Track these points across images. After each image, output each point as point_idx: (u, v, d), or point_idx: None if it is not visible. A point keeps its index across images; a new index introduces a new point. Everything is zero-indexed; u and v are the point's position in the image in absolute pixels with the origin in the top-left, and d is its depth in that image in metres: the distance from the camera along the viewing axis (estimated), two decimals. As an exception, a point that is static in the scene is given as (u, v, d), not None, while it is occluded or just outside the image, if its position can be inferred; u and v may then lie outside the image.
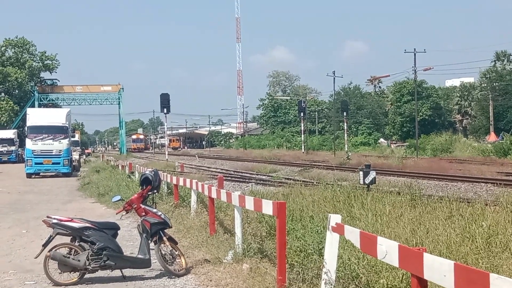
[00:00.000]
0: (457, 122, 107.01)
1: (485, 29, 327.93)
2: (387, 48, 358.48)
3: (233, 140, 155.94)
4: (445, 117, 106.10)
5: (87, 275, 10.18)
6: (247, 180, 32.19)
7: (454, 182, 30.11)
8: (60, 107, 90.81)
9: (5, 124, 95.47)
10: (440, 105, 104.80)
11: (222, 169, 47.06)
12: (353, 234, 7.10)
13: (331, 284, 7.66)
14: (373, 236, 6.60)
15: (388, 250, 6.07)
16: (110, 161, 54.33)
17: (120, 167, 40.06)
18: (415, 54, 65.61)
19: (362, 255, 8.37)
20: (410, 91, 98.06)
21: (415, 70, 67.79)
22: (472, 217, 11.73)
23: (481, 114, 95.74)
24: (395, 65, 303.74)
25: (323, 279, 7.75)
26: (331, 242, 7.76)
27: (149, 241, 10.49)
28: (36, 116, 45.62)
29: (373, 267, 8.18)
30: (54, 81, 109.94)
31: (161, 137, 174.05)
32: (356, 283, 7.92)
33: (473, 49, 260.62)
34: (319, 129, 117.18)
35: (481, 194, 23.79)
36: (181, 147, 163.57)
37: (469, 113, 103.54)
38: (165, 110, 53.56)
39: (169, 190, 21.52)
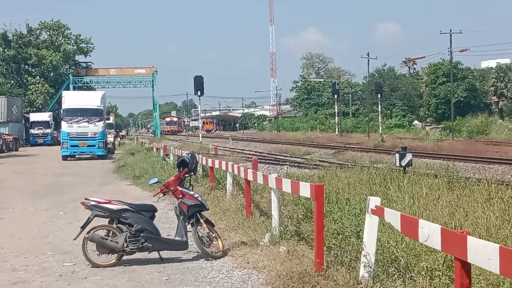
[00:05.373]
0: (493, 104, 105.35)
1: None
2: (422, 30, 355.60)
3: (267, 122, 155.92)
4: (480, 99, 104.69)
5: (125, 257, 10.25)
6: (281, 163, 32.14)
7: (491, 164, 29.82)
8: (95, 90, 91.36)
9: (41, 107, 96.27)
10: (475, 86, 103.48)
11: (256, 152, 47.10)
12: (393, 217, 7.03)
13: (371, 267, 7.60)
14: (414, 219, 6.52)
15: (430, 233, 5.98)
16: (145, 143, 54.61)
17: (154, 150, 40.25)
18: (451, 35, 64.79)
19: (401, 237, 8.29)
20: (445, 72, 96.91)
21: (450, 52, 66.95)
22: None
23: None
24: (430, 47, 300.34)
25: (362, 262, 7.70)
26: (370, 224, 7.70)
27: (186, 223, 10.53)
28: (71, 98, 45.90)
29: (411, 250, 8.11)
30: (88, 64, 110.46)
31: (194, 120, 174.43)
32: (396, 266, 7.85)
33: (509, 29, 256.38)
34: (353, 111, 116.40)
35: (519, 177, 23.51)
36: (215, 129, 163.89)
37: (505, 94, 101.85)
38: (198, 93, 53.36)
39: (204, 173, 21.56)
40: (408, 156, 21.87)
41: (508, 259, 4.76)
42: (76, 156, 43.84)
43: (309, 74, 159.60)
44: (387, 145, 48.81)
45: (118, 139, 77.86)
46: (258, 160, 22.73)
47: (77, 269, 10.03)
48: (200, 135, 62.87)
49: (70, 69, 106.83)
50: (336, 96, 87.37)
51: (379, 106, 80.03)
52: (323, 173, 18.40)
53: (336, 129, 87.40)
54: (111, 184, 25.27)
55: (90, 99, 45.60)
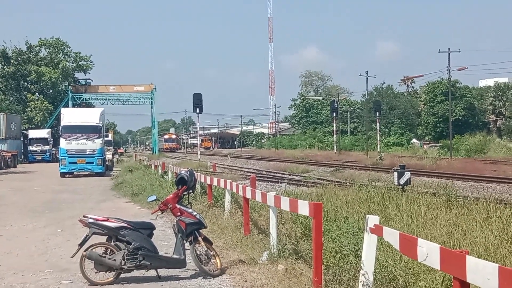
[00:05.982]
0: (491, 123, 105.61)
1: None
2: (420, 48, 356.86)
3: (265, 140, 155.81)
4: (479, 118, 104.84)
5: (122, 275, 10.21)
6: (279, 181, 32.04)
7: (489, 183, 29.80)
8: (94, 107, 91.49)
9: (40, 124, 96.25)
10: (474, 105, 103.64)
11: (254, 169, 47.02)
12: (392, 236, 7.01)
13: (369, 286, 7.57)
14: (413, 238, 6.51)
15: (429, 252, 5.97)
16: (143, 160, 54.60)
17: (153, 167, 40.24)
18: (449, 54, 64.90)
19: (399, 256, 8.27)
20: (443, 91, 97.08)
21: (449, 70, 67.06)
22: (510, 218, 11.54)
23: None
24: (428, 65, 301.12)
25: (361, 281, 7.67)
26: (369, 243, 7.68)
27: (184, 241, 10.49)
28: (70, 115, 45.98)
29: (410, 269, 8.09)
30: (87, 81, 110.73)
31: (193, 137, 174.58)
32: (394, 285, 7.83)
33: (507, 48, 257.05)
34: (351, 129, 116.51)
35: (518, 196, 23.46)
36: (213, 147, 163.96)
37: (504, 113, 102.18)
38: (197, 110, 53.42)
39: (203, 190, 21.52)
40: (407, 175, 21.89)
41: (507, 278, 4.74)
42: (75, 173, 43.83)
43: (308, 92, 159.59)
44: (385, 163, 48.81)
45: (117, 156, 77.85)
46: (257, 178, 22.73)
47: (74, 287, 10.00)
48: (199, 153, 62.92)
49: (69, 86, 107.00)
50: (334, 114, 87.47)
51: (378, 124, 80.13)
52: (322, 191, 18.36)
53: (335, 147, 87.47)
54: (109, 201, 25.23)
55: (89, 116, 45.69)
